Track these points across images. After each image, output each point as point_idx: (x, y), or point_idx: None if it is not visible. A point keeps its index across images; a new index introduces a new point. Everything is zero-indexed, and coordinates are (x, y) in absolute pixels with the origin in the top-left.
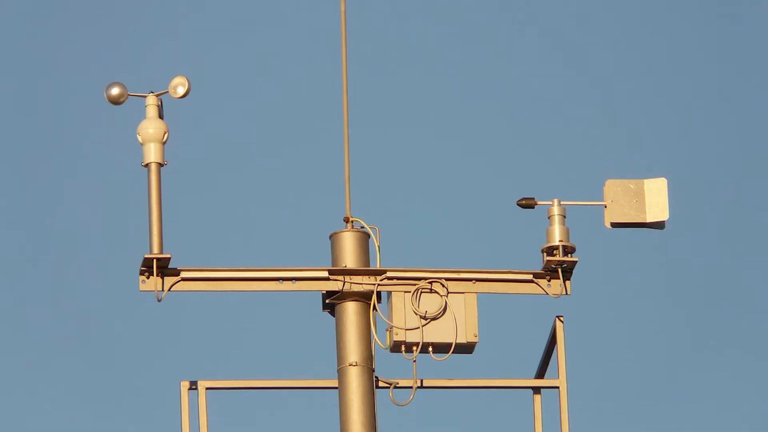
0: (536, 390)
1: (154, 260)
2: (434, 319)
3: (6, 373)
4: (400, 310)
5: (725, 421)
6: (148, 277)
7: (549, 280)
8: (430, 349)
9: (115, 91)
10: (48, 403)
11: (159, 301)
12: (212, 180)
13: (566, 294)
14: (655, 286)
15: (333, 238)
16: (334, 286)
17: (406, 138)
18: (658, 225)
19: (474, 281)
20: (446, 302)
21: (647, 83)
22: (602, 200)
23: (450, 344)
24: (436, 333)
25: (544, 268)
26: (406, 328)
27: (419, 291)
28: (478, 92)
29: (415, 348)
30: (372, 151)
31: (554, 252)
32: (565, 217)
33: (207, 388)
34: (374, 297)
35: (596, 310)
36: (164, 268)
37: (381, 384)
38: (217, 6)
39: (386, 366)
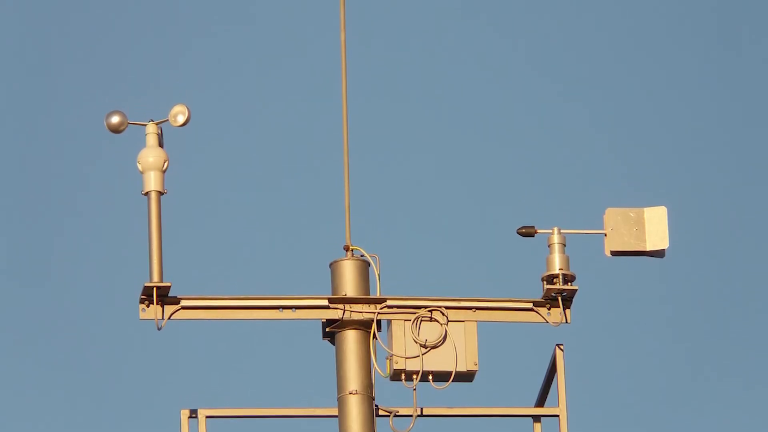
0: (536, 418)
1: (154, 288)
2: (434, 347)
3: (5, 400)
4: (400, 338)
5: None
6: (148, 306)
7: (549, 309)
8: (430, 377)
9: (115, 119)
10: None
11: (159, 329)
12: (212, 208)
13: (566, 322)
14: (655, 315)
15: (333, 266)
16: (334, 314)
17: (406, 166)
18: (658, 253)
19: (474, 309)
20: (446, 330)
21: (647, 112)
22: (602, 228)
23: (450, 373)
24: (436, 361)
25: (544, 297)
26: (406, 356)
27: (419, 319)
28: (478, 120)
29: (415, 376)
30: (372, 179)
31: (554, 280)
32: (565, 245)
33: (207, 417)
34: (374, 325)
35: (596, 338)
36: (164, 297)
37: (381, 412)
38: (217, 34)
39: (386, 394)
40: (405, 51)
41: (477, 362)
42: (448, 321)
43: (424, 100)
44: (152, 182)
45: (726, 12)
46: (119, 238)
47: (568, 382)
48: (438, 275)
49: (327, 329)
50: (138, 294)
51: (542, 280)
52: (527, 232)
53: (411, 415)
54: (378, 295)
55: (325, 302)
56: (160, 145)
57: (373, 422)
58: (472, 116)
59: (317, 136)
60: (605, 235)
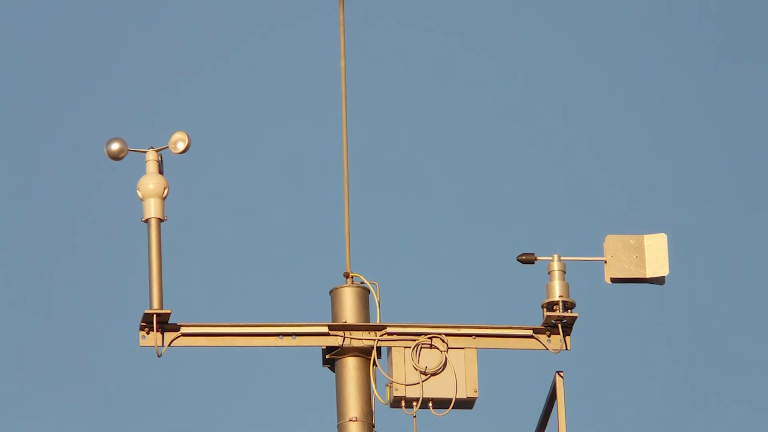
0: None
1: (154, 315)
2: (434, 374)
3: (5, 427)
4: (400, 365)
5: None
6: (148, 333)
7: (549, 336)
8: (430, 404)
9: (115, 146)
10: None
11: (159, 356)
12: (212, 235)
13: (566, 349)
14: (655, 342)
15: (333, 293)
16: (334, 341)
17: (406, 193)
18: (658, 280)
19: (474, 336)
20: (446, 357)
21: (647, 139)
22: (602, 255)
23: (450, 400)
24: (436, 388)
25: (544, 324)
26: (406, 383)
27: (419, 346)
28: (478, 148)
29: (415, 403)
30: (372, 206)
31: (554, 307)
32: (565, 272)
33: None
34: (374, 352)
35: (596, 365)
36: (164, 324)
37: None
38: (217, 62)
39: (386, 421)
40: (405, 78)
41: (477, 389)
42: (448, 348)
43: (423, 127)
44: (152, 209)
45: (726, 41)
46: (119, 265)
47: (568, 409)
48: (438, 302)
49: (327, 356)
50: (138, 321)
51: (542, 307)
52: (527, 259)
53: None
54: (378, 322)
55: (325, 329)
56: (160, 172)
57: None
58: (472, 143)
59: (317, 163)
60: (605, 262)
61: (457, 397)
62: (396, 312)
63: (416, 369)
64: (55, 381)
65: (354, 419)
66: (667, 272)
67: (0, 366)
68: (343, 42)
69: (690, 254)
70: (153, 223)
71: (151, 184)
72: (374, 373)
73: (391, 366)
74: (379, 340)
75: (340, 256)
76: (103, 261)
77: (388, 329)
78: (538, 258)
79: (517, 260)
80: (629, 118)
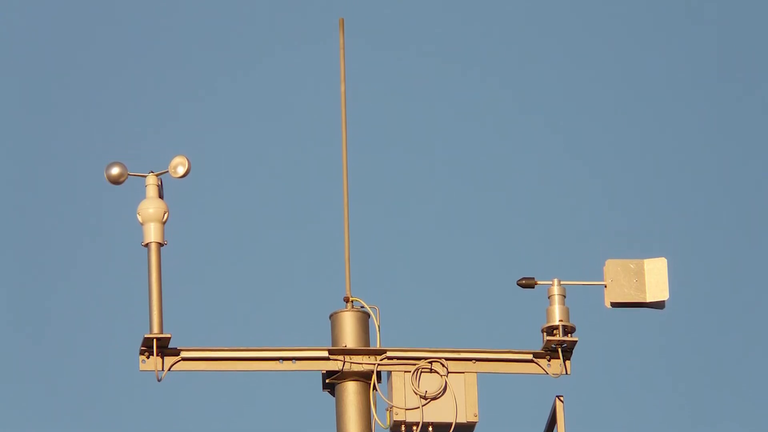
0: None
1: (154, 340)
2: (434, 398)
3: None
4: (400, 389)
5: None
6: (148, 357)
7: (549, 360)
8: (430, 428)
9: (115, 170)
10: None
11: (159, 380)
12: (212, 260)
13: (566, 374)
14: (655, 366)
15: (333, 317)
16: (334, 365)
17: (406, 218)
18: (658, 305)
19: (474, 361)
20: (446, 382)
21: (647, 164)
22: (602, 280)
23: (450, 424)
24: (436, 413)
25: (544, 348)
26: (406, 407)
27: (419, 371)
28: (479, 172)
29: (415, 428)
30: (372, 230)
31: (554, 332)
32: (565, 296)
33: None
34: (374, 377)
35: (596, 390)
36: (164, 348)
37: None
38: (217, 86)
39: None
40: (405, 102)
41: (477, 413)
42: (448, 372)
43: (423, 151)
44: (152, 233)
45: (725, 66)
46: (119, 289)
47: None
48: (438, 326)
49: (327, 380)
50: (138, 345)
51: (542, 331)
52: (527, 284)
53: None
54: (378, 347)
55: (325, 353)
56: (160, 196)
57: None
58: (472, 168)
59: (317, 187)
60: (605, 287)
61: (457, 421)
62: (396, 336)
63: (416, 393)
64: (54, 405)
65: None
66: (667, 296)
67: (1, 391)
68: (343, 66)
69: (690, 279)
70: (153, 247)
71: (151, 208)
72: (374, 397)
73: (391, 390)
74: (379, 364)
75: (340, 280)
76: (103, 285)
77: (388, 353)
78: (538, 282)
79: (517, 284)
80: (629, 142)
